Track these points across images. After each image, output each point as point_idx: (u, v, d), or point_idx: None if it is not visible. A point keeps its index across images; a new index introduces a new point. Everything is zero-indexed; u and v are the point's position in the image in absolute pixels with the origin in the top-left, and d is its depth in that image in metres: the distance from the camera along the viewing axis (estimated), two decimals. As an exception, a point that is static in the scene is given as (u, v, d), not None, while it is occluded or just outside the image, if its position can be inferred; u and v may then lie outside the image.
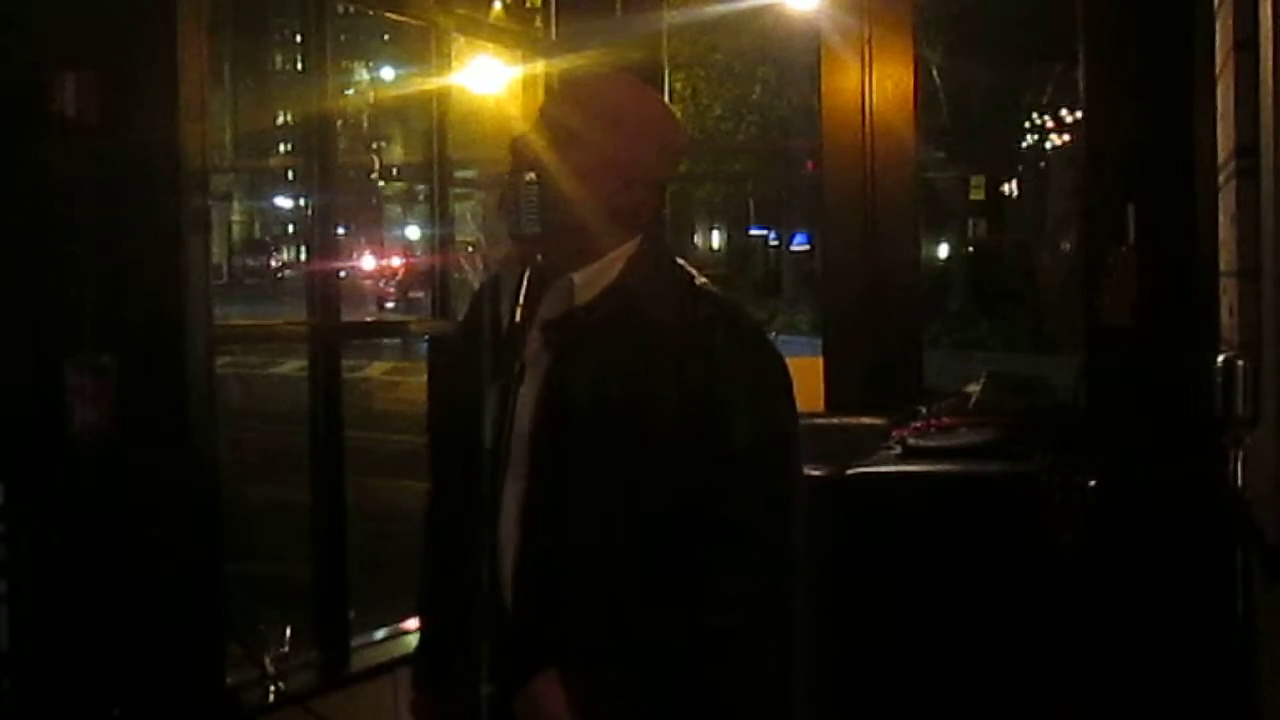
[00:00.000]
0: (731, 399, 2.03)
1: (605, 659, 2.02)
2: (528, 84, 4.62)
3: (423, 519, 2.29)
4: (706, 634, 2.00)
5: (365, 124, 27.44)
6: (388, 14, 4.33)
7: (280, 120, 28.76)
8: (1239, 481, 2.89)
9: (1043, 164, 20.63)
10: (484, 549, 1.97)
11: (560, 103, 2.15)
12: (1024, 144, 20.60)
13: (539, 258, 2.02)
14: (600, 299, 2.07)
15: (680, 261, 2.17)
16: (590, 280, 2.08)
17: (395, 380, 14.57)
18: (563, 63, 4.43)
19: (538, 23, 4.84)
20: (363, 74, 27.06)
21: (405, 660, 2.88)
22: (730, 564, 2.01)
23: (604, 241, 2.10)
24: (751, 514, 2.02)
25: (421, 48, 4.12)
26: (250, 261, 35.73)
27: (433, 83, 4.11)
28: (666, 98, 4.95)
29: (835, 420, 4.43)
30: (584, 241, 2.09)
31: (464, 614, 2.00)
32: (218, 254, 29.54)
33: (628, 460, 2.02)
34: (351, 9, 4.95)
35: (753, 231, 27.67)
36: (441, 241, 4.29)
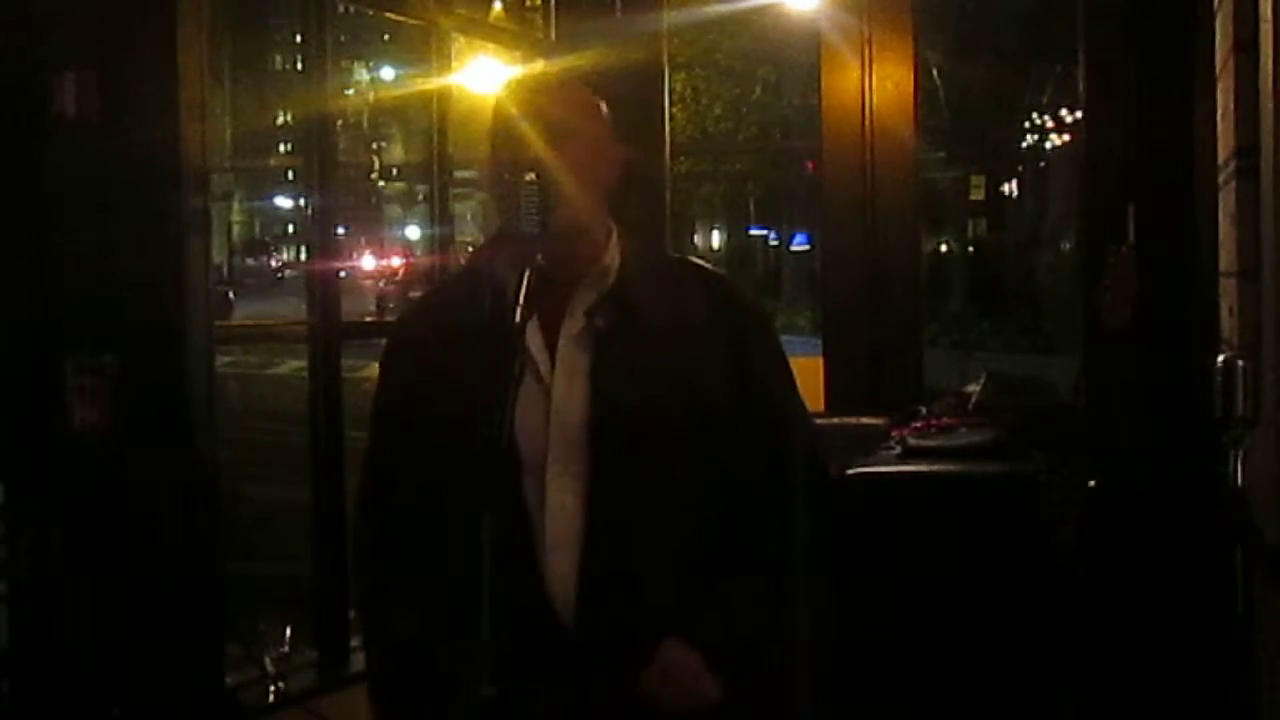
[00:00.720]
0: (760, 352, 2.17)
1: (707, 620, 2.06)
2: (527, 84, 4.61)
3: (378, 526, 2.20)
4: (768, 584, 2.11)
5: (365, 124, 27.45)
6: (388, 14, 4.34)
7: (280, 120, 28.75)
8: (1239, 481, 2.89)
9: (1043, 164, 20.63)
10: (492, 549, 1.94)
11: (558, 103, 2.15)
12: (1024, 144, 20.60)
13: (539, 258, 2.02)
14: (622, 284, 2.12)
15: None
16: (607, 269, 2.13)
17: (395, 380, 14.50)
18: (563, 62, 4.43)
19: (538, 23, 4.84)
20: (363, 74, 27.06)
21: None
22: (772, 511, 2.12)
23: (600, 232, 2.15)
24: (786, 459, 2.15)
25: (421, 48, 4.13)
26: (250, 261, 35.75)
27: (433, 83, 4.11)
28: (666, 98, 4.97)
29: (835, 420, 4.43)
30: (586, 235, 2.13)
31: (466, 618, 1.99)
32: (218, 254, 29.53)
33: (689, 432, 2.08)
34: (351, 9, 4.95)
35: (753, 231, 27.68)
36: (441, 241, 4.29)
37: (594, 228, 2.14)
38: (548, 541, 2.05)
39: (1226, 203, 3.20)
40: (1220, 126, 3.32)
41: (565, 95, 2.19)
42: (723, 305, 2.17)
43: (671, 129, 5.07)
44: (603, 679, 2.05)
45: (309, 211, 3.86)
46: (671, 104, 5.34)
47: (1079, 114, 4.59)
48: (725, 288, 2.24)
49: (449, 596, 2.06)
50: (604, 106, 2.19)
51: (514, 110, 2.14)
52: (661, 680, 2.04)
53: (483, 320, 2.05)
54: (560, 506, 2.05)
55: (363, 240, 29.60)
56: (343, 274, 3.97)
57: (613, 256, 2.14)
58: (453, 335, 2.10)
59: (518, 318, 1.98)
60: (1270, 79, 2.60)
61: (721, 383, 2.11)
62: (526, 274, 2.00)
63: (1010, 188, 23.46)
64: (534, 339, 2.09)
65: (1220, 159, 3.34)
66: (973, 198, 22.84)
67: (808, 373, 4.70)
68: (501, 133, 2.13)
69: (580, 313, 2.10)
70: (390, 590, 2.18)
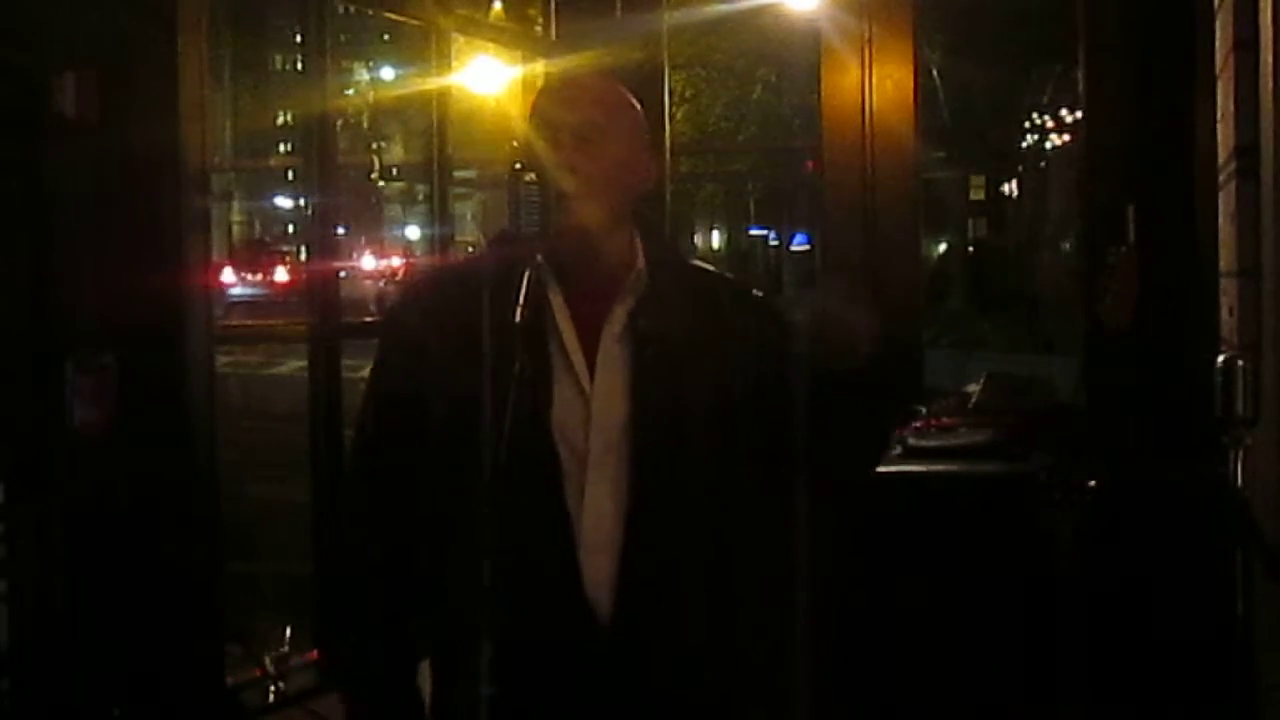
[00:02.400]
0: (782, 342, 2.17)
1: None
2: (528, 84, 4.62)
3: (378, 530, 2.16)
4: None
5: (365, 124, 27.40)
6: (388, 14, 4.34)
7: (280, 120, 28.72)
8: (1239, 481, 2.88)
9: (1043, 164, 20.63)
10: (492, 549, 1.94)
11: (581, 104, 2.13)
12: (1024, 144, 20.60)
13: (539, 258, 2.02)
14: (655, 289, 2.12)
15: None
16: (641, 273, 2.13)
17: (395, 380, 14.46)
18: (563, 63, 4.43)
19: (538, 22, 4.84)
20: (363, 74, 27.03)
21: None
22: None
23: (624, 237, 2.14)
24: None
25: (421, 48, 4.12)
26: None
27: (433, 83, 4.11)
28: (666, 98, 4.97)
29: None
30: (604, 239, 2.11)
31: (473, 618, 1.99)
32: (218, 254, 29.48)
33: (724, 437, 2.08)
34: (351, 9, 4.95)
35: (753, 231, 27.67)
36: (441, 241, 4.29)
37: (611, 231, 2.12)
38: (585, 545, 2.04)
39: (1226, 203, 3.21)
40: (1220, 126, 3.32)
41: (599, 95, 2.16)
42: (753, 312, 2.18)
43: (671, 129, 5.07)
44: (637, 682, 2.05)
45: (309, 211, 3.85)
46: (671, 104, 5.34)
47: (1079, 114, 4.58)
48: (751, 295, 2.27)
49: (455, 600, 2.07)
50: (640, 112, 2.18)
51: (544, 106, 2.13)
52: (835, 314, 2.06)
53: (485, 322, 2.04)
54: (598, 510, 2.05)
55: (363, 240, 29.57)
56: (343, 274, 3.96)
57: (641, 261, 2.14)
58: (455, 337, 2.09)
59: (518, 318, 1.97)
60: (1270, 79, 2.61)
61: (752, 388, 2.11)
62: (527, 274, 1.99)
63: (1010, 188, 23.46)
64: (570, 343, 2.08)
65: (1220, 159, 3.34)
66: (973, 198, 22.84)
67: (808, 373, 4.69)
68: (529, 128, 2.12)
69: (621, 316, 2.09)
70: (385, 587, 2.16)
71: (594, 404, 2.06)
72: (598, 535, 2.04)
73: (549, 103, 2.14)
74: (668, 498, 2.06)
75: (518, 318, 1.96)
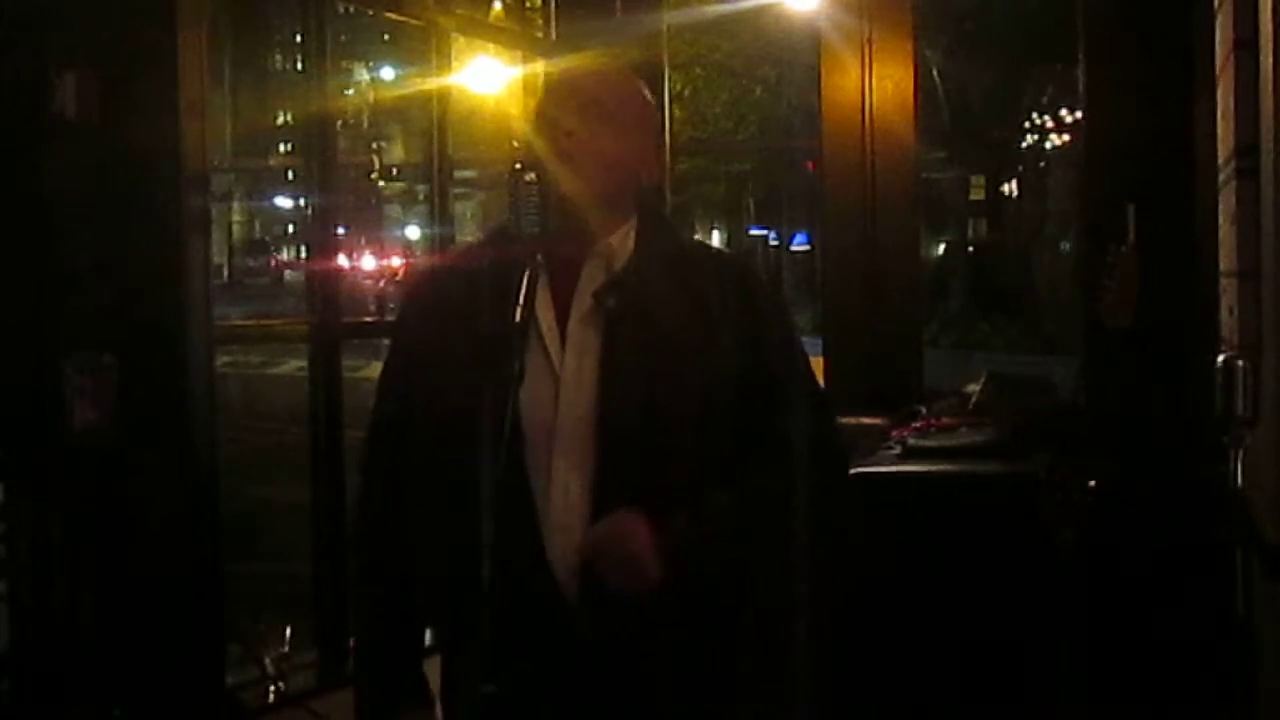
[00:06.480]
0: (772, 336, 2.17)
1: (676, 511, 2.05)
2: (528, 84, 4.63)
3: (378, 524, 2.21)
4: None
5: (365, 124, 27.41)
6: (388, 14, 4.34)
7: (280, 120, 28.71)
8: (1239, 481, 2.88)
9: (1043, 164, 20.62)
10: (492, 549, 1.94)
11: (590, 85, 2.15)
12: (1024, 144, 20.59)
13: (539, 257, 2.02)
14: (634, 266, 2.11)
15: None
16: (617, 250, 2.12)
17: (395, 380, 14.46)
18: (563, 63, 4.43)
19: (538, 23, 4.84)
20: (363, 74, 27.02)
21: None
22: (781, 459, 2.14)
23: (616, 223, 2.14)
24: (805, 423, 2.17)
25: (421, 48, 4.12)
26: (250, 262, 35.71)
27: (433, 83, 4.11)
28: (666, 98, 4.98)
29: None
30: (595, 222, 2.12)
31: (467, 613, 1.99)
32: (218, 254, 29.51)
33: (698, 416, 2.07)
34: (351, 9, 4.96)
35: (753, 231, 27.68)
36: (441, 241, 4.29)
37: (605, 219, 2.12)
38: (550, 524, 2.04)
39: (1226, 203, 3.20)
40: (1220, 126, 3.32)
41: (609, 79, 2.19)
42: (735, 288, 2.16)
43: (671, 129, 5.08)
44: (605, 659, 2.05)
45: (309, 211, 3.86)
46: (671, 104, 5.34)
47: (1079, 114, 4.59)
48: (738, 270, 2.23)
49: (448, 589, 2.07)
50: (652, 106, 2.20)
51: (554, 85, 2.16)
52: (604, 536, 2.01)
53: (486, 318, 2.04)
54: (564, 489, 2.05)
55: (363, 240, 29.57)
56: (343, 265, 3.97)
57: (622, 238, 2.13)
58: (457, 336, 2.09)
59: (518, 317, 1.97)
60: (1270, 79, 2.60)
61: (732, 366, 2.10)
62: (527, 274, 2.00)
63: (1010, 188, 23.45)
64: (545, 317, 2.08)
65: (1220, 159, 3.34)
66: (973, 198, 22.83)
67: (808, 373, 4.70)
68: (535, 117, 2.13)
69: (589, 293, 2.09)
70: (389, 573, 2.18)
71: (562, 381, 2.06)
72: (565, 515, 2.04)
73: (560, 81, 2.17)
74: (636, 478, 2.04)
75: (517, 318, 1.97)
